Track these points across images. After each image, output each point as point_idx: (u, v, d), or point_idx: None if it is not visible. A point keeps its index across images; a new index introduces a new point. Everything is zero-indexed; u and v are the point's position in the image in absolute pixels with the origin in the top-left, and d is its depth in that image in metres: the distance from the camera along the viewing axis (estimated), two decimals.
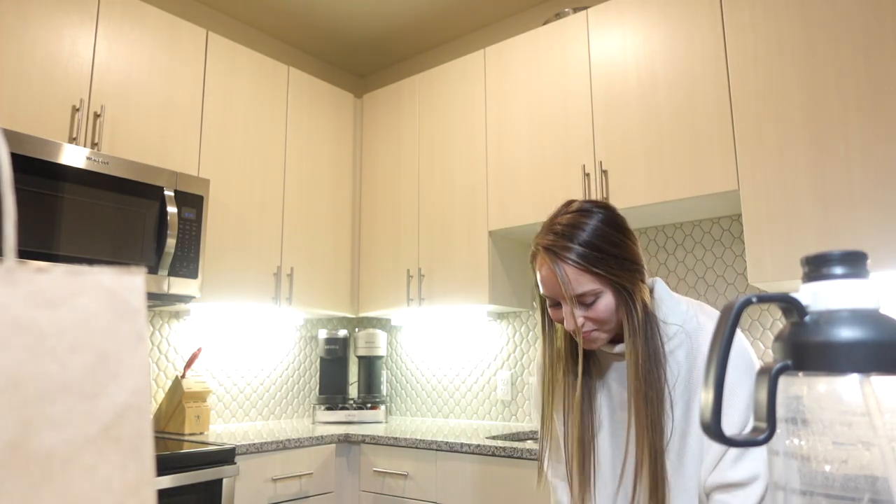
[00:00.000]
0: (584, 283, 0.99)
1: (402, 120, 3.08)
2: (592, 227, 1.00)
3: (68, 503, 0.24)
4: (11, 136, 1.91)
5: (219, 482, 2.05)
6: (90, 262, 2.03)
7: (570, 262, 0.99)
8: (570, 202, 1.06)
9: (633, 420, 0.99)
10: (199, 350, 2.60)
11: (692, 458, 0.98)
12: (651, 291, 1.06)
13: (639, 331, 1.00)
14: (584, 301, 1.00)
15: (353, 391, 3.30)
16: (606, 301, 1.00)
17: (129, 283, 0.28)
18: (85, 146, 2.17)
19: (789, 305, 0.41)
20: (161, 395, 2.60)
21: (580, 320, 1.00)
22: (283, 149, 2.89)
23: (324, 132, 3.10)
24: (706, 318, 1.03)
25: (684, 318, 1.03)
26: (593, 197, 2.34)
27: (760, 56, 2.02)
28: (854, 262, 0.40)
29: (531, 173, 2.54)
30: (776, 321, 2.22)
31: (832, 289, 0.40)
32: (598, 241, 0.99)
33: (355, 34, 3.37)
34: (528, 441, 2.50)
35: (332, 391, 3.06)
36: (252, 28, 3.28)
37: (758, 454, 0.93)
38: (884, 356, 0.37)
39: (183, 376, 2.52)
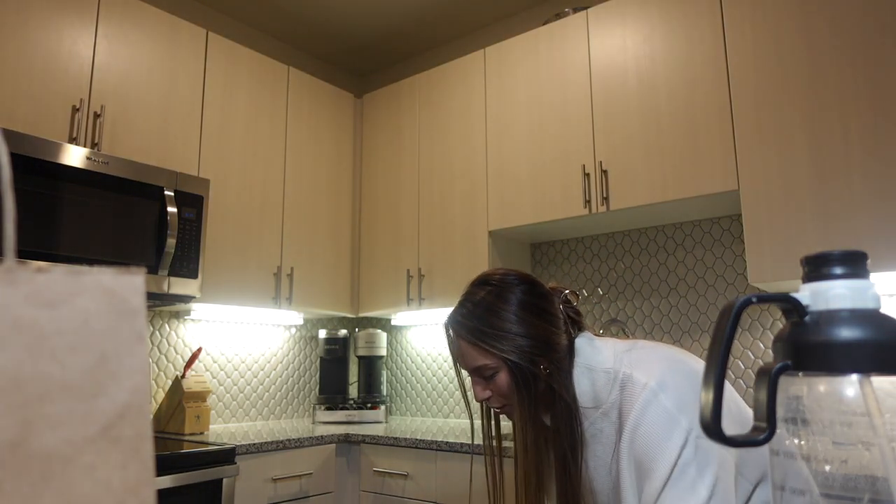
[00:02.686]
0: (479, 358, 0.99)
1: (402, 120, 3.08)
2: (488, 303, 1.00)
3: (68, 503, 0.24)
4: (11, 136, 1.91)
5: (219, 482, 2.05)
6: (90, 262, 2.03)
7: (463, 336, 1.00)
8: (484, 274, 1.06)
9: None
10: (199, 350, 2.60)
11: None
12: (571, 361, 1.00)
13: (531, 418, 0.96)
14: (483, 375, 1.00)
15: (353, 391, 3.30)
16: (504, 377, 0.98)
17: (129, 283, 0.28)
18: (85, 146, 2.17)
19: (789, 305, 0.40)
20: (161, 395, 2.60)
21: (487, 393, 1.01)
22: (283, 149, 2.89)
23: (324, 132, 3.10)
24: (639, 374, 0.93)
25: (610, 385, 0.97)
26: (594, 196, 2.34)
27: (760, 56, 2.02)
28: (854, 262, 0.40)
29: (531, 173, 2.54)
30: (776, 321, 2.22)
31: (832, 289, 0.40)
32: (492, 318, 0.98)
33: (355, 34, 3.37)
34: None
35: (332, 391, 3.06)
36: (252, 28, 3.28)
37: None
38: (884, 356, 0.37)
39: (183, 376, 2.52)
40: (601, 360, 0.99)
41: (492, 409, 1.07)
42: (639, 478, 0.89)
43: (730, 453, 0.90)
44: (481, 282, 1.04)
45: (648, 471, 0.87)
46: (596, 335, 1.05)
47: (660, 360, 0.94)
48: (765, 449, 0.98)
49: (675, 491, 0.83)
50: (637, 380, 0.92)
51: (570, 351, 1.01)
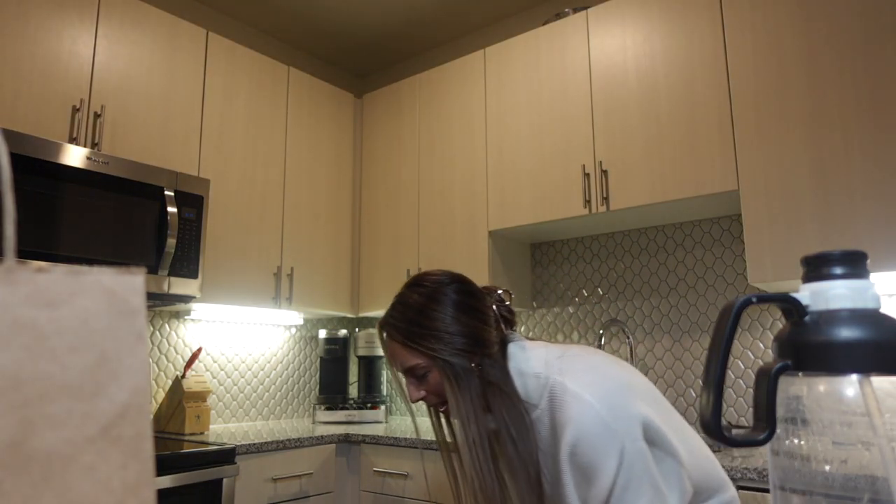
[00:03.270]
0: (410, 358, 1.01)
1: (402, 120, 3.08)
2: (420, 305, 1.01)
3: (68, 503, 0.24)
4: (11, 136, 1.91)
5: (219, 482, 2.05)
6: (90, 262, 2.03)
7: (394, 337, 1.02)
8: (417, 276, 1.07)
9: None
10: (200, 350, 2.60)
11: None
12: (505, 360, 1.01)
13: (469, 414, 0.96)
14: (416, 374, 1.02)
15: (353, 391, 3.30)
16: (436, 376, 1.00)
17: (129, 283, 0.28)
18: (85, 146, 2.17)
19: (789, 305, 0.40)
20: (161, 395, 2.60)
21: (421, 393, 1.03)
22: (283, 149, 2.89)
23: (324, 132, 3.10)
24: (571, 382, 0.93)
25: (541, 390, 0.97)
26: (594, 196, 2.34)
27: (760, 56, 2.02)
28: (854, 262, 0.40)
29: (531, 173, 2.54)
30: (776, 321, 2.22)
31: (832, 289, 0.40)
32: (421, 320, 1.00)
33: (355, 34, 3.37)
34: None
35: (332, 391, 3.06)
36: (252, 28, 3.28)
37: None
38: (883, 356, 0.37)
39: (183, 376, 2.52)
40: (532, 365, 0.99)
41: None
42: (580, 484, 0.91)
43: (672, 456, 0.91)
44: (414, 283, 1.06)
45: (591, 479, 0.88)
46: (529, 340, 1.06)
47: (590, 369, 0.95)
48: (711, 465, 1.00)
49: (620, 501, 0.86)
50: (569, 388, 0.92)
51: (504, 352, 1.02)
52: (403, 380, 1.05)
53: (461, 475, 1.03)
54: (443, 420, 1.10)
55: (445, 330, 0.99)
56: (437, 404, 1.04)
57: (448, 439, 1.09)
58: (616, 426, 0.87)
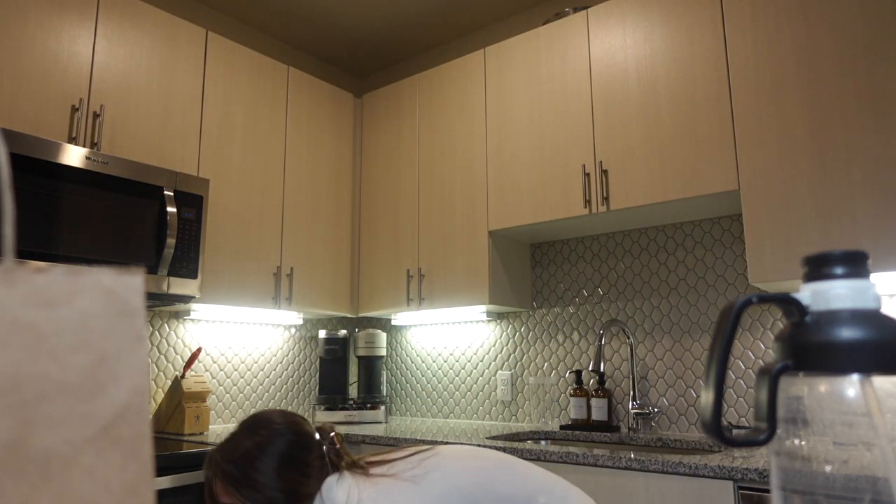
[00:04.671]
0: (225, 496, 1.07)
1: (402, 120, 3.08)
2: (249, 454, 1.08)
3: (67, 503, 0.24)
4: (10, 136, 1.91)
5: None
6: (89, 262, 2.03)
7: (216, 473, 1.08)
8: (255, 420, 1.13)
9: None
10: (199, 350, 2.59)
11: None
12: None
13: None
14: None
15: (353, 391, 3.30)
16: None
17: (129, 283, 0.28)
18: (84, 146, 2.17)
19: (790, 305, 0.40)
20: (161, 396, 2.60)
21: None
22: (283, 149, 2.89)
23: (324, 132, 3.10)
24: None
25: None
26: (594, 196, 2.34)
27: (760, 56, 2.02)
28: (854, 262, 0.40)
29: (531, 173, 2.54)
30: (776, 321, 2.22)
31: (833, 289, 0.39)
32: (246, 468, 1.06)
33: (355, 34, 3.37)
34: (528, 441, 2.50)
35: (331, 391, 3.06)
36: (252, 28, 3.28)
37: None
38: (884, 356, 0.37)
39: (182, 376, 2.52)
40: (332, 500, 1.06)
41: None
42: None
43: None
44: (250, 427, 1.12)
45: None
46: (358, 470, 1.12)
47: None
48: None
49: None
50: None
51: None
52: None
53: None
54: None
55: (265, 483, 1.06)
56: None
57: None
58: None
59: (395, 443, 2.39)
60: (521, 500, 1.09)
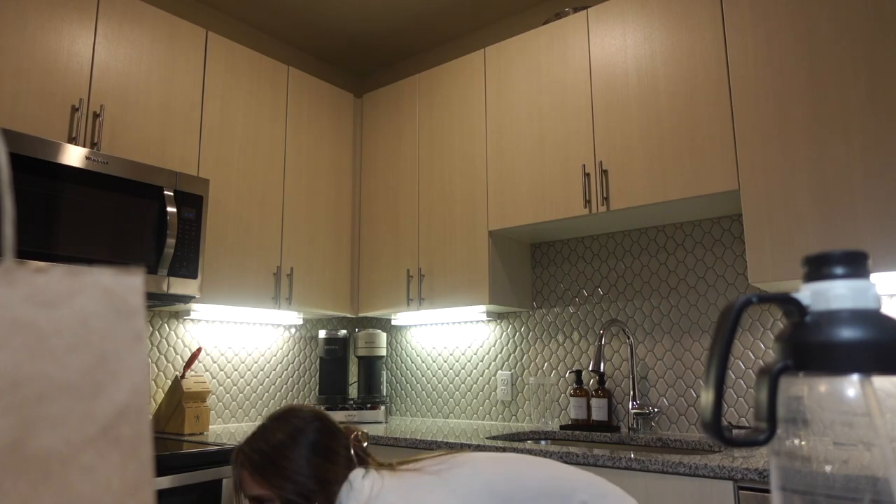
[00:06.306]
0: (255, 487, 1.10)
1: (402, 120, 3.08)
2: (279, 444, 1.11)
3: (67, 503, 0.24)
4: (10, 136, 1.91)
5: (218, 482, 2.05)
6: (89, 262, 2.03)
7: (246, 466, 1.11)
8: (284, 412, 1.16)
9: None
10: (199, 350, 2.59)
11: None
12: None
13: None
14: (259, 502, 1.10)
15: (353, 391, 3.30)
16: None
17: (128, 283, 0.28)
18: (84, 146, 2.17)
19: (790, 305, 0.40)
20: (161, 396, 2.60)
21: None
22: (283, 149, 2.89)
23: (324, 132, 3.10)
24: None
25: None
26: (594, 196, 2.34)
27: (760, 56, 2.02)
28: (854, 262, 0.40)
29: (531, 173, 2.54)
30: (776, 321, 2.22)
31: (833, 289, 0.39)
32: (276, 458, 1.10)
33: (355, 34, 3.37)
34: (528, 441, 2.50)
35: (332, 391, 3.06)
36: (252, 28, 3.28)
37: None
38: (885, 356, 0.37)
39: (182, 376, 2.52)
40: (355, 496, 1.09)
41: None
42: None
43: None
44: (279, 418, 1.15)
45: None
46: (385, 467, 1.15)
47: (404, 501, 1.04)
48: None
49: None
50: None
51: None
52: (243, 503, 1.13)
53: None
54: None
55: (296, 471, 1.09)
56: None
57: None
58: None
59: (395, 443, 2.39)
60: (558, 497, 1.07)
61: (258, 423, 2.88)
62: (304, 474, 1.08)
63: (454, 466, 1.10)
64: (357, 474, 1.11)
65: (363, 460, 1.17)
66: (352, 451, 1.15)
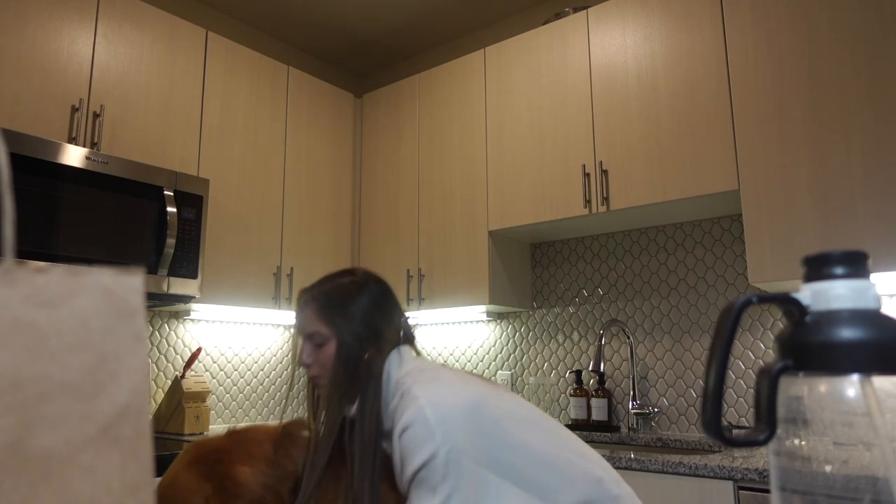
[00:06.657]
0: (316, 325, 1.14)
1: (402, 120, 3.08)
2: (345, 288, 1.16)
3: (67, 503, 0.24)
4: (10, 136, 1.91)
5: None
6: (89, 262, 2.03)
7: (310, 304, 1.15)
8: (353, 268, 1.22)
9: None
10: (199, 350, 2.59)
11: None
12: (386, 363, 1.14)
13: (337, 392, 1.10)
14: (315, 341, 1.14)
15: None
16: (331, 348, 1.13)
17: (128, 283, 0.27)
18: (84, 146, 2.17)
19: (790, 305, 0.40)
20: (160, 396, 2.60)
21: (311, 359, 1.15)
22: (283, 149, 2.89)
23: (324, 132, 3.10)
24: (417, 388, 1.07)
25: (393, 396, 1.11)
26: (594, 196, 2.34)
27: (760, 56, 2.02)
28: (855, 262, 0.40)
29: (531, 173, 2.54)
30: (776, 321, 2.22)
31: (833, 289, 0.39)
32: (341, 299, 1.14)
33: (355, 34, 3.37)
34: None
35: None
36: (252, 28, 3.28)
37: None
38: (885, 356, 0.37)
39: (182, 376, 2.52)
40: (395, 372, 1.13)
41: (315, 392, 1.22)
42: (399, 464, 1.04)
43: (510, 481, 1.03)
44: (348, 272, 1.21)
45: (404, 463, 1.01)
46: (416, 355, 1.20)
47: (440, 383, 1.07)
48: (585, 477, 1.06)
49: (416, 492, 0.99)
50: (413, 393, 1.04)
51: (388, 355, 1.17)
52: (300, 344, 1.17)
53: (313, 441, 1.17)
54: (315, 395, 1.23)
55: (354, 315, 1.13)
56: (317, 377, 1.15)
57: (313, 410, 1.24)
58: (436, 429, 1.00)
59: None
60: (580, 473, 1.06)
61: (259, 423, 2.89)
62: (361, 321, 1.13)
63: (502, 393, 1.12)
64: (408, 348, 1.17)
65: (410, 339, 1.22)
66: (402, 329, 1.20)
